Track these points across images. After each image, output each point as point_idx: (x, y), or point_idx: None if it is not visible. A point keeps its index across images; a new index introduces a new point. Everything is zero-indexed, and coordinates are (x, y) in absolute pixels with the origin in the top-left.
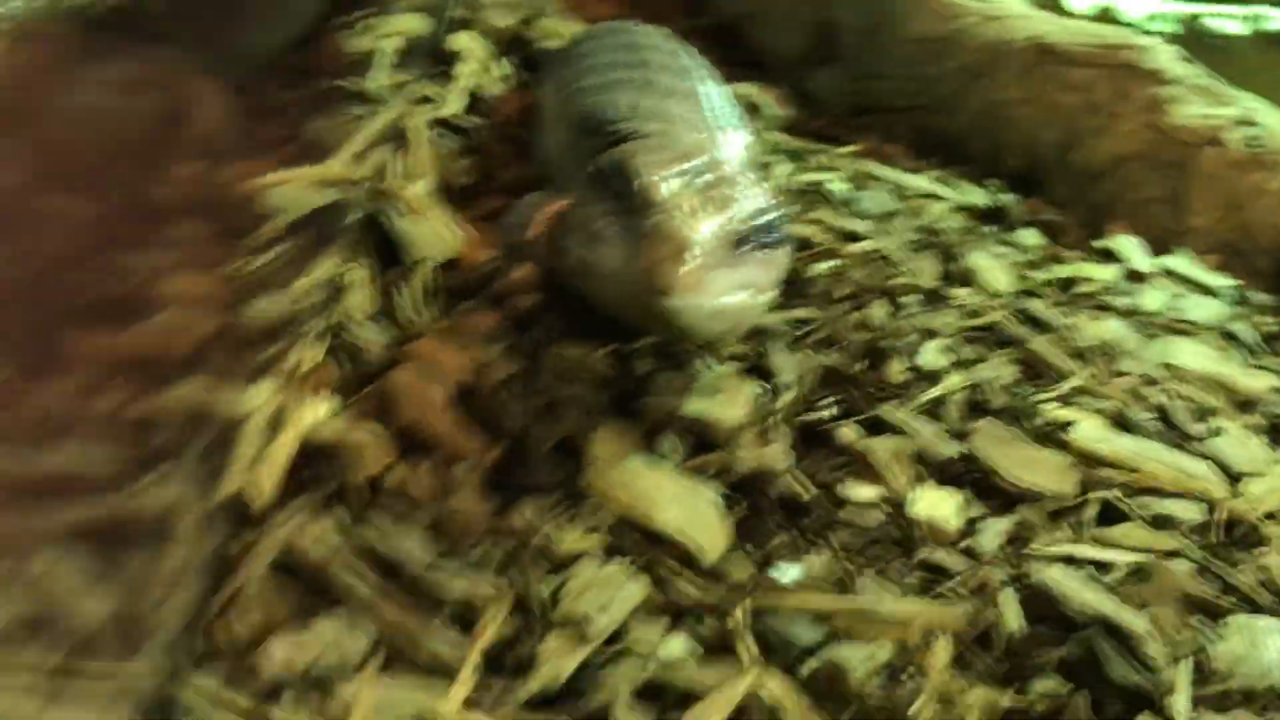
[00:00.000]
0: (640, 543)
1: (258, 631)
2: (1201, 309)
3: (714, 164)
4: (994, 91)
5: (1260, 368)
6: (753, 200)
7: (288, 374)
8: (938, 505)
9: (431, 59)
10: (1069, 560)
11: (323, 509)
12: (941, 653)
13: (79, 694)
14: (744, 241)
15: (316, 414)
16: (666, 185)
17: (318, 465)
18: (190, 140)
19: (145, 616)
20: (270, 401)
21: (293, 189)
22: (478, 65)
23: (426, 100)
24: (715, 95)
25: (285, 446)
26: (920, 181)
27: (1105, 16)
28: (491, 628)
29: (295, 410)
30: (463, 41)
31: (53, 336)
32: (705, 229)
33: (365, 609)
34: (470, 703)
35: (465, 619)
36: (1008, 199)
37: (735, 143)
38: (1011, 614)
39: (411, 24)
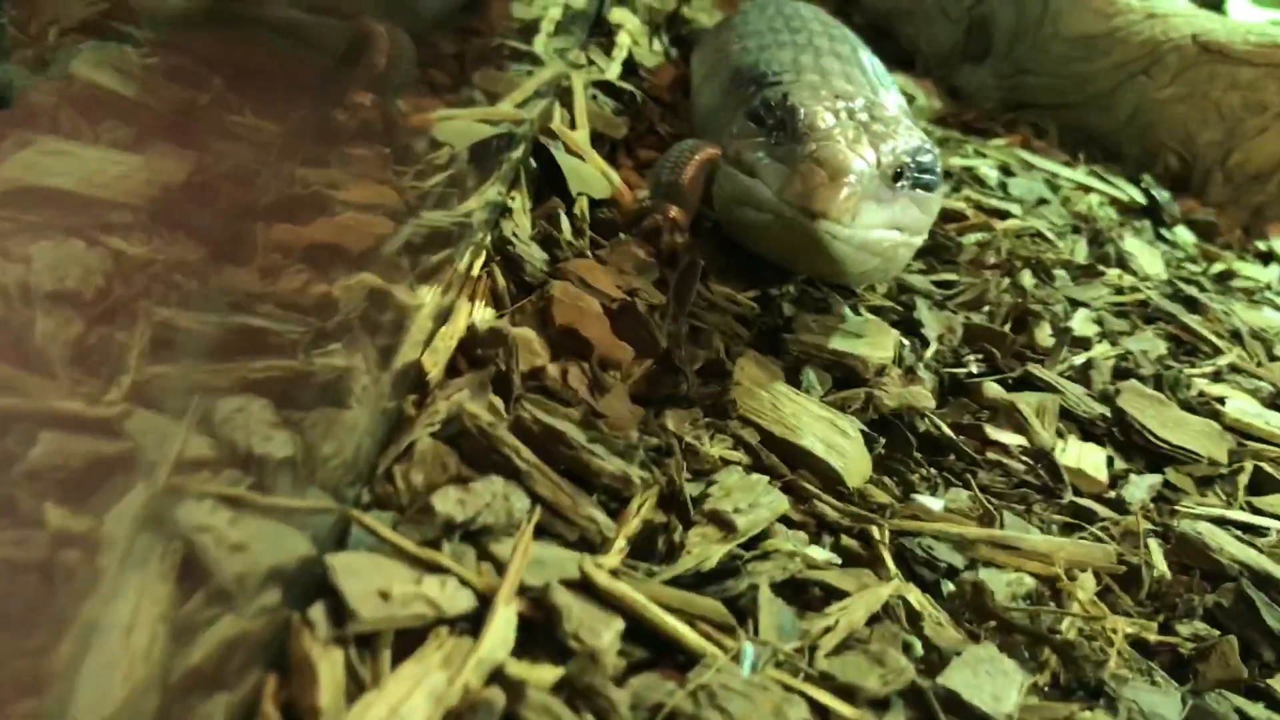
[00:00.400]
0: (782, 463)
1: (426, 485)
2: None
3: (871, 105)
4: (1152, 90)
5: None
6: (909, 139)
7: (456, 276)
8: (1085, 456)
9: (593, 28)
10: (1220, 521)
11: (486, 389)
12: (1088, 586)
13: (262, 517)
14: (899, 176)
15: (481, 313)
16: (825, 116)
17: (483, 352)
18: (368, 77)
19: (322, 461)
20: (439, 297)
21: (462, 123)
22: (633, 37)
23: (590, 63)
24: (871, 61)
25: (454, 331)
26: (1073, 173)
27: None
28: (642, 509)
29: (463, 305)
30: (622, 15)
31: (244, 228)
32: (861, 158)
33: (524, 476)
34: (618, 573)
35: (616, 499)
36: (1163, 196)
37: (891, 96)
38: (1158, 559)
39: None
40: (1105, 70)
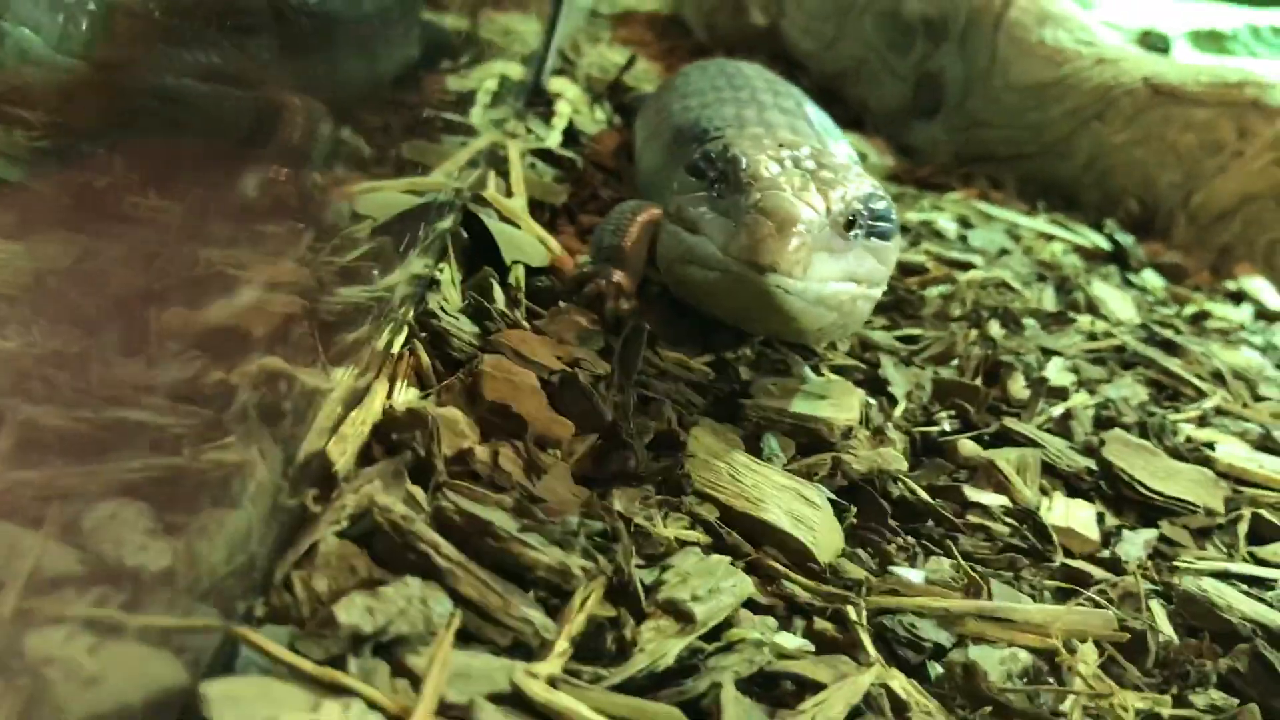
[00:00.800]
0: (745, 541)
1: (330, 592)
2: None
3: (818, 153)
4: (1107, 135)
5: None
6: (859, 185)
7: (375, 355)
8: (1073, 514)
9: (532, 97)
10: (1224, 576)
11: (403, 478)
12: (1089, 658)
13: (133, 642)
14: (852, 225)
15: (401, 393)
16: (769, 165)
17: (400, 436)
18: (279, 151)
19: (208, 572)
20: (353, 379)
21: (385, 194)
22: (574, 105)
23: (528, 131)
24: (818, 114)
25: (368, 415)
26: (1034, 222)
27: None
28: (586, 604)
29: (379, 387)
30: (561, 84)
31: (132, 314)
32: (810, 206)
33: (445, 575)
34: (557, 682)
35: (556, 594)
36: (1127, 240)
37: (840, 147)
38: (1163, 622)
39: (509, 69)
40: (1059, 118)
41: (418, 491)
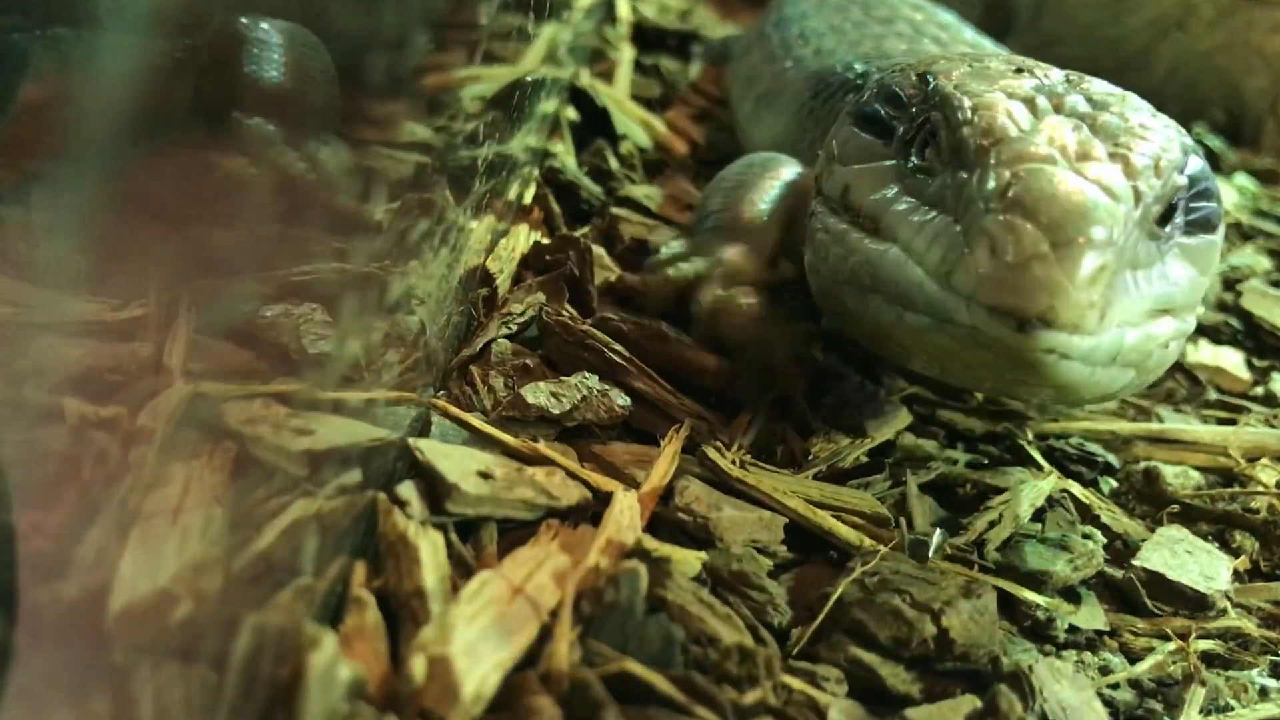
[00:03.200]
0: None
1: (507, 386)
2: None
3: (1078, 81)
4: (1188, 43)
5: None
6: (1168, 138)
7: (508, 205)
8: (1221, 356)
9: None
10: None
11: (563, 292)
12: (1268, 473)
13: (326, 413)
14: (1169, 215)
15: (536, 236)
16: (1017, 108)
17: (553, 257)
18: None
19: (387, 363)
20: (496, 217)
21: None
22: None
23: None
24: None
25: (516, 244)
26: None
27: None
28: (757, 416)
29: (519, 228)
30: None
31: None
32: (1108, 190)
33: (619, 372)
34: (747, 467)
35: (724, 404)
36: (1217, 144)
37: None
38: None
39: None
40: (1137, 29)
41: (573, 312)
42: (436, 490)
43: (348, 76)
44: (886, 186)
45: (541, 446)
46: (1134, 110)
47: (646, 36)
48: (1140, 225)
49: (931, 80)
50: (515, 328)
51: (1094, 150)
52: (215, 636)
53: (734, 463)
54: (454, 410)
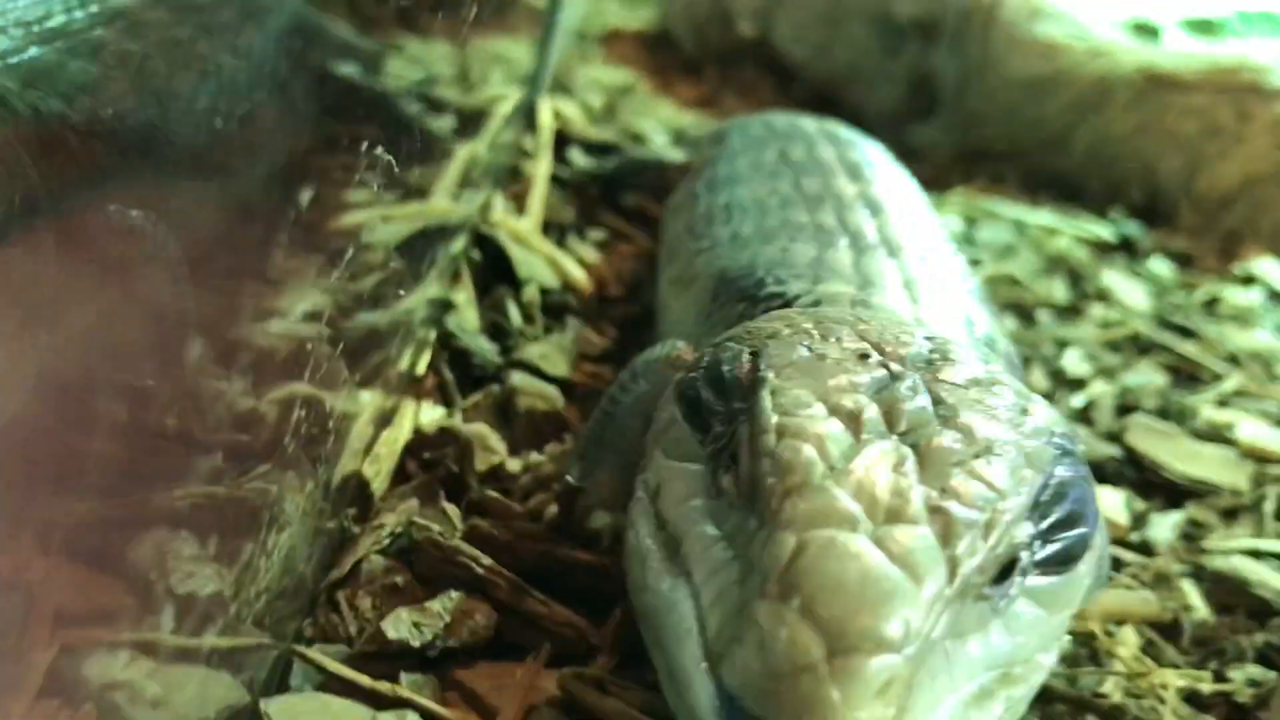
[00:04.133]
0: None
1: (375, 609)
2: None
3: (941, 352)
4: (1106, 126)
5: None
6: (1017, 461)
7: (399, 377)
8: (1102, 500)
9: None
10: (1253, 553)
11: (438, 495)
12: (1129, 640)
13: (187, 663)
14: (1006, 573)
15: (428, 413)
16: (827, 440)
17: (432, 455)
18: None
19: (254, 596)
20: (380, 401)
21: (395, 223)
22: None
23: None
24: (928, 227)
25: (399, 435)
26: (1039, 216)
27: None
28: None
29: (407, 407)
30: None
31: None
32: (911, 579)
33: (486, 586)
34: (607, 685)
35: (599, 600)
36: (1133, 229)
37: (968, 322)
38: (1197, 601)
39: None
40: (1057, 112)
41: (452, 509)
42: None
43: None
44: (692, 499)
45: (400, 688)
46: (988, 418)
47: (570, 145)
48: (960, 596)
49: (757, 371)
50: (386, 541)
51: (909, 506)
52: None
53: (596, 685)
54: (312, 655)
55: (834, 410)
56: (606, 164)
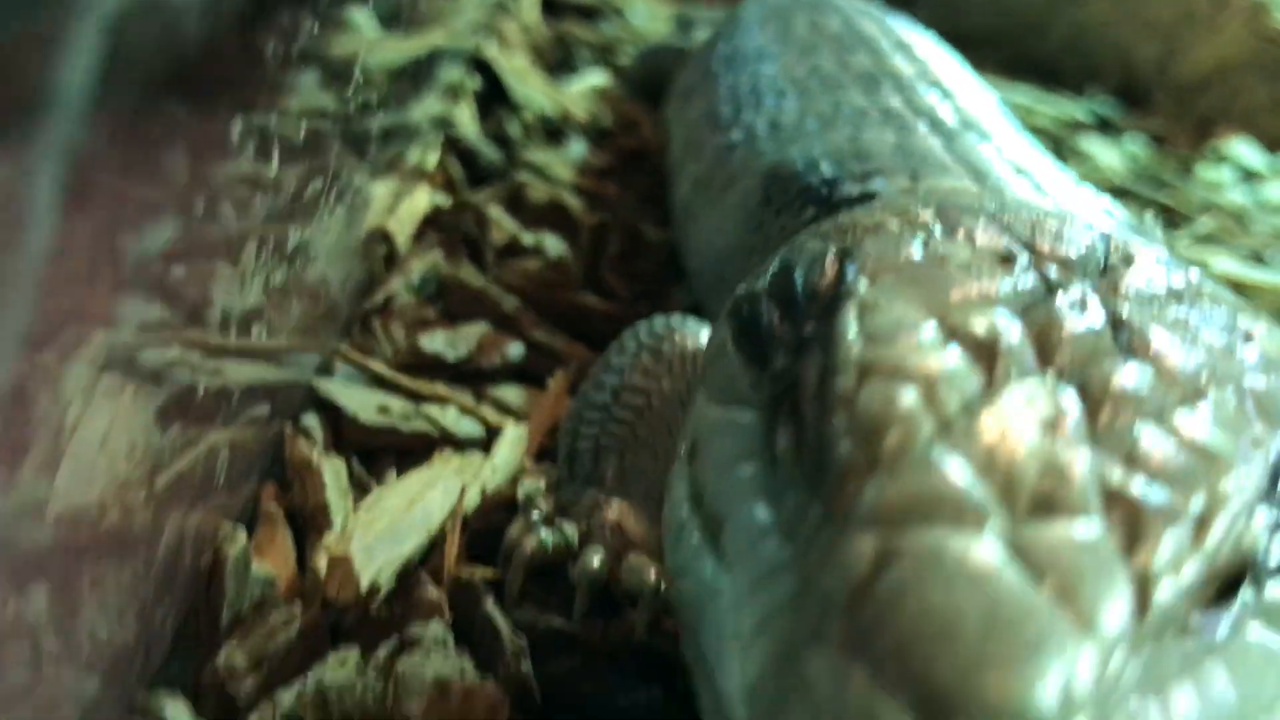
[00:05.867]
0: None
1: (407, 336)
2: None
3: (1126, 273)
4: (1083, 13)
5: None
6: (1261, 399)
7: (411, 169)
8: None
9: None
10: None
11: (461, 252)
12: None
13: (240, 359)
14: (1229, 590)
15: (443, 199)
16: (949, 389)
17: (452, 220)
18: None
19: (296, 313)
20: (398, 183)
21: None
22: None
23: None
24: (998, 110)
25: (417, 206)
26: (1019, 96)
27: None
28: None
29: (421, 190)
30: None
31: None
32: (1107, 609)
33: (514, 321)
34: None
35: None
36: (1109, 110)
37: (1093, 199)
38: None
39: None
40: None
41: (472, 268)
42: (338, 422)
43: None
44: (740, 465)
45: (437, 387)
46: (1195, 348)
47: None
48: (1158, 633)
49: (844, 277)
50: (416, 282)
51: (1071, 490)
52: (146, 540)
53: None
54: (355, 355)
55: (954, 335)
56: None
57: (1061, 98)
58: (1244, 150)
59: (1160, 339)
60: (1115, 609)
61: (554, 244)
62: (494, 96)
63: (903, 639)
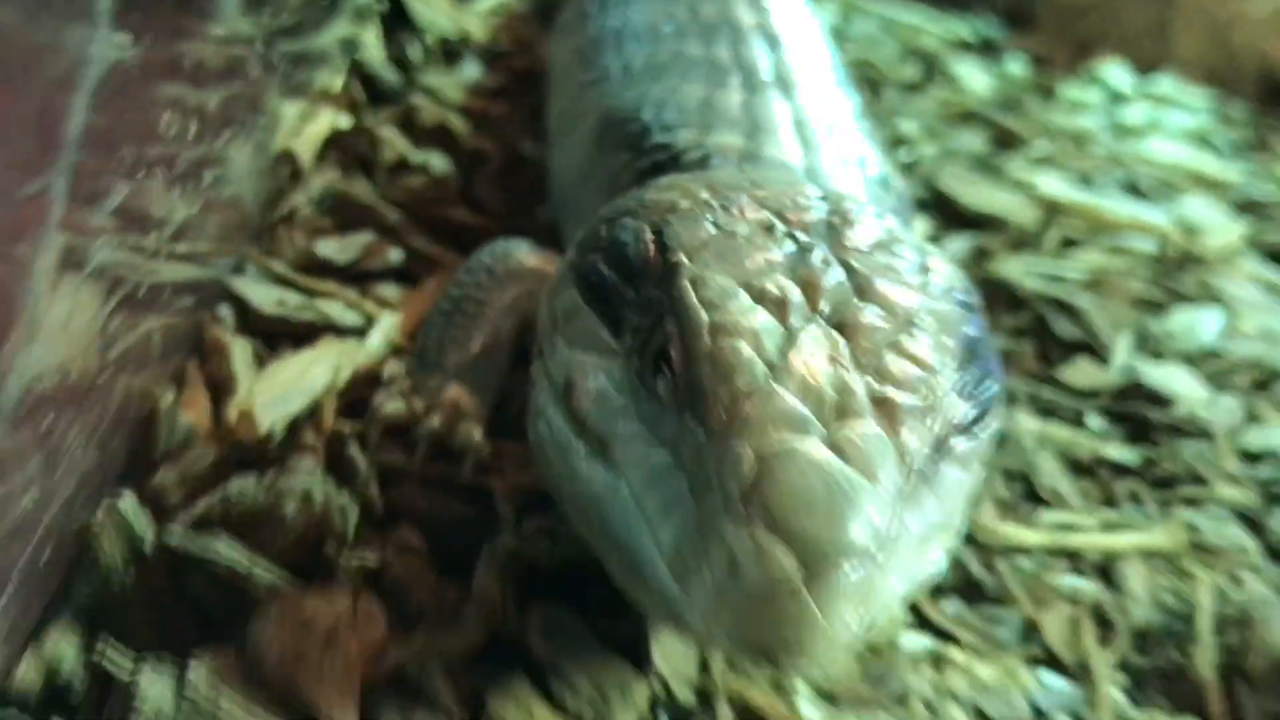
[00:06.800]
0: None
1: (307, 241)
2: (1180, 121)
3: (844, 226)
4: None
5: (1232, 165)
6: (940, 331)
7: (318, 92)
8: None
9: None
10: (1028, 270)
11: (355, 170)
12: None
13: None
14: (941, 445)
15: (345, 120)
16: (768, 335)
17: (348, 142)
18: None
19: (214, 223)
20: (305, 107)
21: None
22: None
23: None
24: (825, 62)
25: (321, 129)
26: (909, 15)
27: None
28: None
29: (326, 112)
30: None
31: None
32: (871, 481)
33: (396, 231)
34: None
35: None
36: (994, 31)
37: (861, 162)
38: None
39: None
40: None
41: (365, 185)
42: (246, 312)
43: None
44: (614, 397)
45: (327, 285)
46: (900, 286)
47: None
48: (908, 484)
49: (668, 253)
50: (315, 197)
51: (854, 400)
52: (103, 395)
53: None
54: (261, 258)
55: (759, 297)
56: None
57: (951, 18)
58: (1115, 73)
59: (880, 282)
60: (891, 475)
61: (439, 163)
62: (399, 19)
63: (783, 510)
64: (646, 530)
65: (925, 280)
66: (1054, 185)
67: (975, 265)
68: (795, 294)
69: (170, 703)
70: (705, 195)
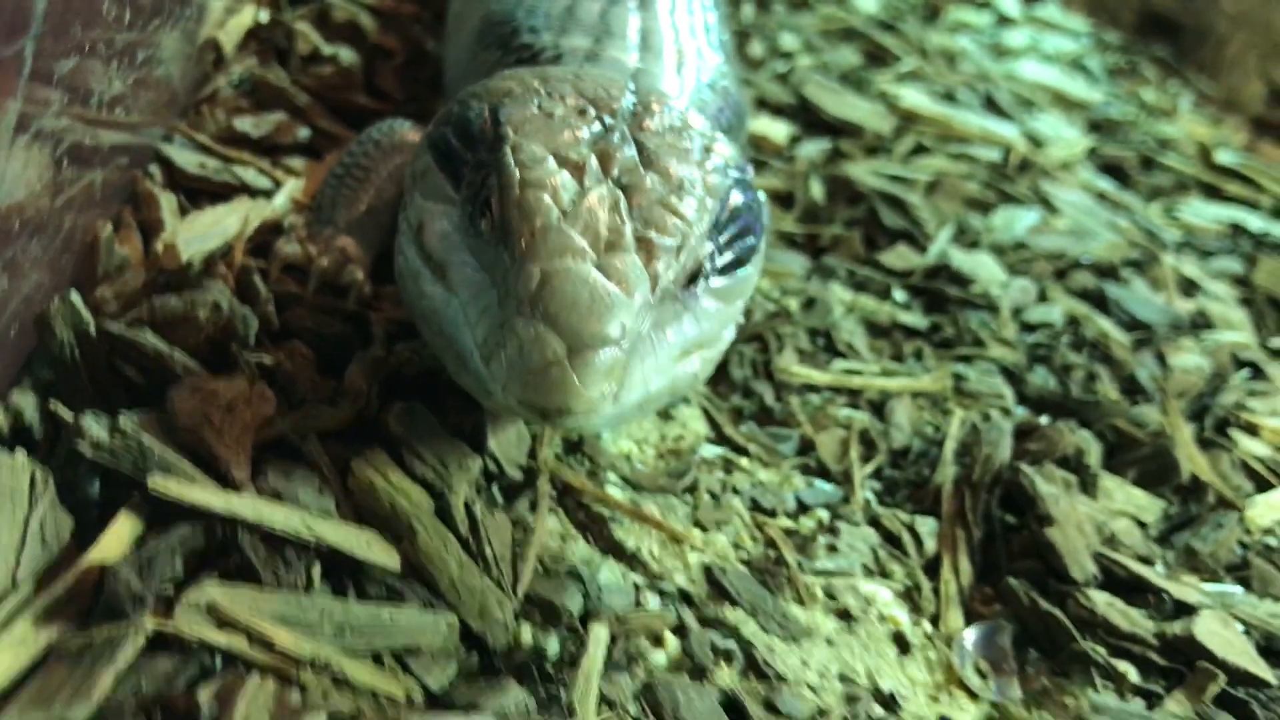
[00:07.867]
0: None
1: (227, 119)
2: (1058, 45)
3: (645, 102)
4: None
5: (1098, 88)
6: (702, 195)
7: None
8: (770, 126)
9: None
10: (875, 172)
11: (272, 59)
12: None
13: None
14: (695, 276)
15: (259, 15)
16: (561, 191)
17: (267, 34)
18: None
19: (149, 99)
20: (227, 2)
21: None
22: None
23: None
24: None
25: (243, 23)
26: None
27: None
28: None
29: (249, 7)
30: None
31: None
32: (626, 283)
33: (304, 113)
34: None
35: None
36: None
37: (697, 69)
38: (816, 189)
39: None
40: None
41: (283, 73)
42: (173, 172)
43: None
44: (452, 235)
45: (243, 154)
46: (680, 160)
47: None
48: (660, 300)
49: (498, 127)
50: (236, 81)
51: (622, 239)
52: (55, 229)
53: None
54: (188, 130)
55: (563, 162)
56: None
57: None
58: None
59: (664, 157)
60: (642, 290)
61: (347, 55)
62: None
63: (556, 309)
64: (468, 331)
65: (705, 158)
66: (914, 98)
67: (828, 165)
68: (593, 162)
69: (106, 438)
70: (536, 84)
